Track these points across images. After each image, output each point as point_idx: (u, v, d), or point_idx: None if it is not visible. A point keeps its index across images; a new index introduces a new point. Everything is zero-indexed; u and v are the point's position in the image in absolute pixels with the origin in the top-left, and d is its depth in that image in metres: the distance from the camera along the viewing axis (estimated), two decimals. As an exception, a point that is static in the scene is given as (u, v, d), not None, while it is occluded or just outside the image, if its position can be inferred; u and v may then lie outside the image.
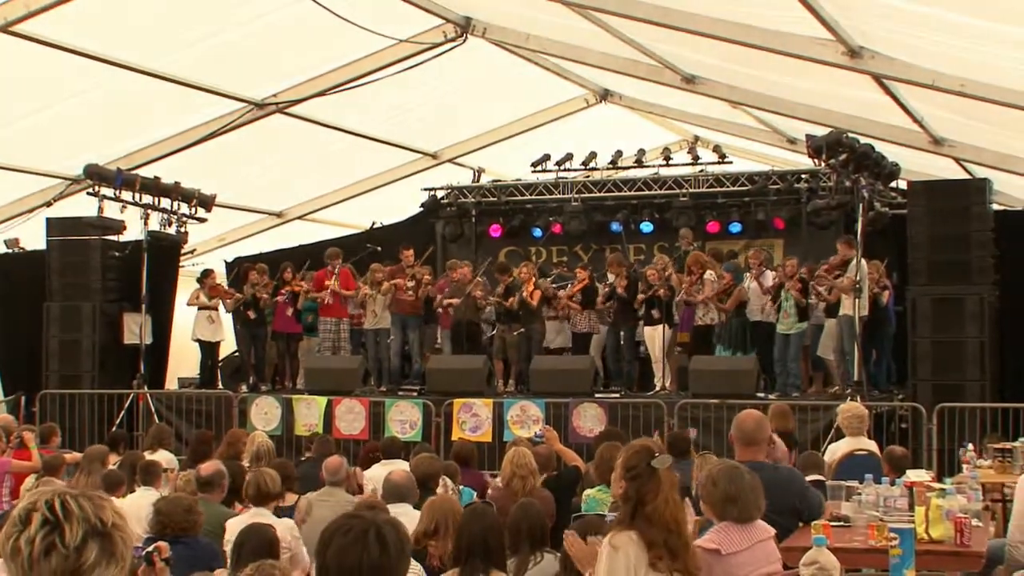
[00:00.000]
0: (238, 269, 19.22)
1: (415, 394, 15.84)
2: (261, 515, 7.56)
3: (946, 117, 14.12)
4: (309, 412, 15.40)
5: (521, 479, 8.55)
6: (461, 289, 16.83)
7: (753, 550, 5.24)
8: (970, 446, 10.17)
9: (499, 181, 20.52)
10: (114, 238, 17.20)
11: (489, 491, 9.59)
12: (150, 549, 5.21)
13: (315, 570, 3.33)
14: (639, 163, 19.42)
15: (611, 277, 16.40)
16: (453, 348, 17.03)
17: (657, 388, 15.78)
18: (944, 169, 16.68)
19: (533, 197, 19.55)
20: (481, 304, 16.96)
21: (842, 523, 6.79)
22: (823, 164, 13.91)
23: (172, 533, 6.68)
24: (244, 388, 16.99)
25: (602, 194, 19.18)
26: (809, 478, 8.63)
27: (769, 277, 15.65)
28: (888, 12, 10.87)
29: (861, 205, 13.84)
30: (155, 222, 16.76)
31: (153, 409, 16.17)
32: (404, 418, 14.99)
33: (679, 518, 4.81)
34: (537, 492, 8.48)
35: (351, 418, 15.21)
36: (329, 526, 3.32)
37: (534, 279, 16.76)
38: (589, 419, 14.23)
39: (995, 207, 15.51)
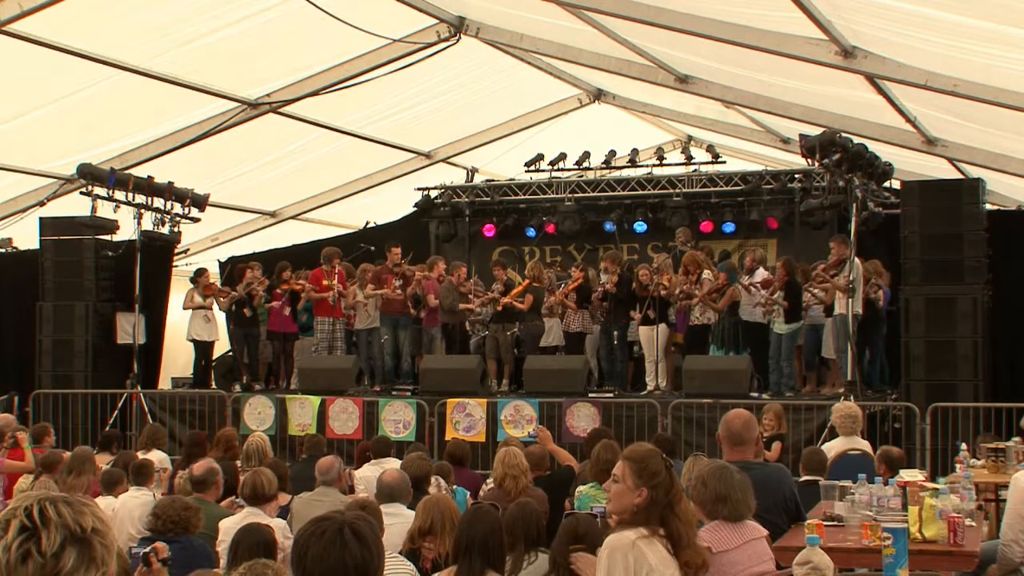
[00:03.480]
0: (231, 268, 19.20)
1: (408, 394, 15.85)
2: (256, 515, 7.56)
3: (939, 117, 14.14)
4: (302, 412, 15.39)
5: (513, 479, 8.57)
6: (458, 290, 16.86)
7: (744, 548, 5.24)
8: (963, 446, 10.18)
9: (493, 181, 20.51)
10: (107, 238, 17.17)
11: (482, 492, 9.60)
12: (147, 550, 5.21)
13: None
14: (633, 163, 19.45)
15: (603, 277, 16.41)
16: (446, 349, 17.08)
17: (650, 388, 15.79)
18: (937, 169, 16.70)
19: (527, 197, 19.55)
20: (470, 313, 17.11)
21: (835, 523, 6.81)
22: (816, 164, 13.93)
23: (168, 533, 6.67)
24: (237, 388, 16.97)
25: (596, 194, 19.18)
26: (808, 478, 8.68)
27: (759, 275, 15.67)
28: (881, 12, 10.89)
29: (854, 205, 13.85)
30: (148, 222, 16.74)
31: (146, 409, 16.17)
32: (398, 418, 14.99)
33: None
34: (530, 491, 8.49)
35: (344, 418, 15.20)
36: (301, 533, 3.26)
37: (528, 283, 16.81)
38: (583, 419, 14.22)
39: (988, 207, 15.54)
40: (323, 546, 3.15)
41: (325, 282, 16.90)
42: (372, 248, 19.17)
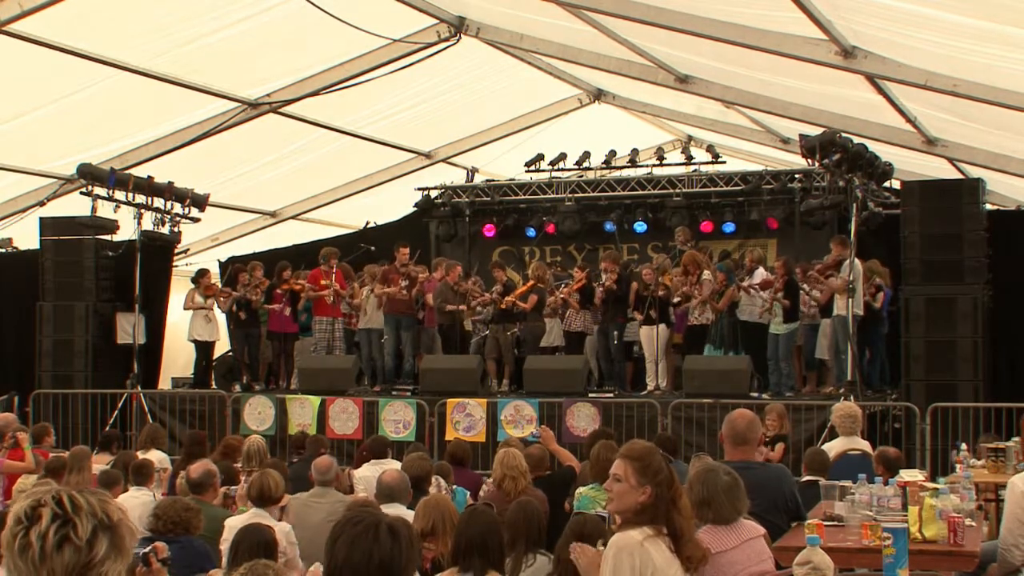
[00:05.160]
0: (231, 269, 19.22)
1: (408, 394, 15.85)
2: (261, 516, 7.55)
3: (939, 117, 14.14)
4: (303, 412, 15.39)
5: (512, 480, 8.56)
6: (453, 290, 16.87)
7: (743, 548, 5.24)
8: (963, 446, 10.18)
9: (493, 181, 20.51)
10: (107, 238, 17.17)
11: (482, 492, 9.60)
12: (147, 550, 5.20)
13: (325, 566, 3.31)
14: (633, 163, 19.46)
15: (603, 276, 16.43)
16: (443, 348, 17.07)
17: (650, 388, 15.79)
18: (937, 169, 16.70)
19: (527, 197, 19.55)
20: (473, 308, 17.08)
21: (836, 523, 6.81)
22: (816, 164, 13.93)
23: (169, 534, 6.67)
24: (237, 388, 16.98)
25: (596, 194, 19.18)
26: (809, 478, 8.67)
27: (758, 276, 15.66)
28: (881, 12, 10.89)
29: (854, 205, 13.85)
30: (148, 222, 16.73)
31: (146, 409, 16.17)
32: (398, 418, 14.99)
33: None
34: (529, 491, 8.48)
35: (344, 418, 15.20)
36: (339, 521, 3.31)
37: (533, 283, 16.82)
38: (583, 419, 14.22)
39: (988, 207, 15.54)
40: (355, 535, 3.19)
41: (324, 282, 16.92)
42: (372, 248, 19.17)
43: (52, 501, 2.44)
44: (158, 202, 16.81)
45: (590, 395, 15.07)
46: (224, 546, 7.21)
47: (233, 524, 7.47)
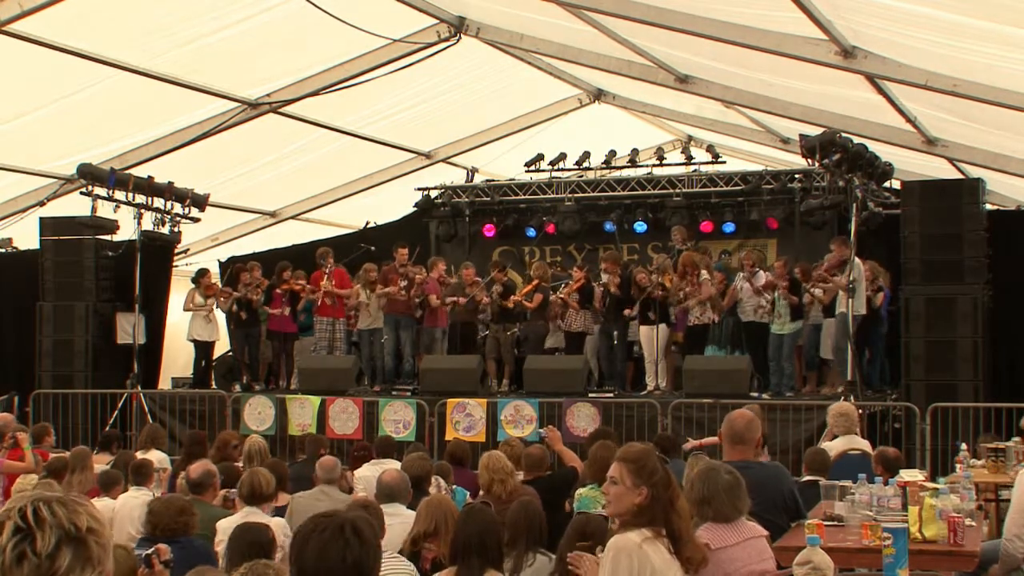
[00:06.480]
0: (232, 269, 19.21)
1: (409, 394, 15.85)
2: (254, 515, 7.55)
3: (939, 117, 14.14)
4: (303, 412, 15.39)
5: (500, 483, 8.48)
6: (461, 289, 16.87)
7: (744, 546, 5.25)
8: (963, 446, 10.18)
9: (493, 181, 20.51)
10: (107, 238, 17.16)
11: (481, 492, 9.59)
12: (150, 551, 5.20)
13: (292, 572, 3.30)
14: (633, 163, 19.46)
15: (604, 277, 16.42)
16: (448, 348, 17.05)
17: (650, 388, 15.78)
18: (937, 169, 16.70)
19: (527, 197, 19.55)
20: (482, 306, 17.06)
21: (836, 523, 6.81)
22: (816, 164, 13.93)
23: (165, 534, 6.67)
24: (237, 388, 16.98)
25: (596, 194, 19.18)
26: (809, 478, 8.68)
27: (761, 277, 15.66)
28: (881, 12, 10.89)
29: (854, 205, 13.85)
30: (148, 222, 16.75)
31: (146, 409, 16.17)
32: (398, 418, 14.99)
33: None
34: (519, 491, 8.44)
35: (345, 418, 15.20)
36: (302, 528, 3.28)
37: (537, 282, 16.81)
38: (583, 419, 14.22)
39: (988, 207, 15.54)
40: (323, 542, 3.18)
41: (323, 282, 16.92)
42: (372, 248, 19.17)
43: (17, 514, 2.42)
44: (158, 202, 16.82)
45: (590, 395, 15.06)
46: (220, 547, 7.21)
47: (225, 525, 7.47)
